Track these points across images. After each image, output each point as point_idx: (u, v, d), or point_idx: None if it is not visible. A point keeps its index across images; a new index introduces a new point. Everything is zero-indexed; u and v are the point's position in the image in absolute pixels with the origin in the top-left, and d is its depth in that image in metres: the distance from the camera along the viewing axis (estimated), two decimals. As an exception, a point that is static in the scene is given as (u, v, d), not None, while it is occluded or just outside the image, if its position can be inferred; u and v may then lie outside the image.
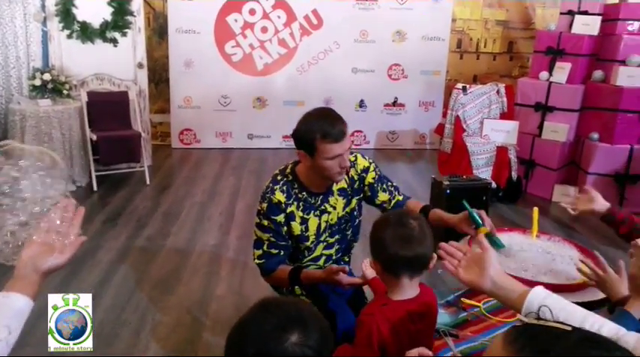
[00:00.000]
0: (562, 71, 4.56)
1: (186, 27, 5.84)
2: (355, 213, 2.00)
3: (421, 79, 6.27)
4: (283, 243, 1.89)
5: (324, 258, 2.01)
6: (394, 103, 6.34)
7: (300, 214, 1.88)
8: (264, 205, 1.87)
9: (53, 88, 4.53)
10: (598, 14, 4.51)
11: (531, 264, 1.81)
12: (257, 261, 1.92)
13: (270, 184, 1.89)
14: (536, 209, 1.99)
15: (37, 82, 4.48)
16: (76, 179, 4.57)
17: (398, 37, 6.15)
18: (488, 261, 1.21)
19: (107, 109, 4.78)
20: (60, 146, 4.36)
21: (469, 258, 1.26)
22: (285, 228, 1.88)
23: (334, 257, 2.03)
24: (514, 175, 4.50)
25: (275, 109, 6.17)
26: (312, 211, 1.91)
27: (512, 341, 0.76)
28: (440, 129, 5.10)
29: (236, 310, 2.75)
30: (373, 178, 1.98)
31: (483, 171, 4.38)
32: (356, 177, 1.96)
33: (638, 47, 4.33)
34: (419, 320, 1.41)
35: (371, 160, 2.01)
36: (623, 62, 4.33)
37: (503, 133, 4.57)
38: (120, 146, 4.66)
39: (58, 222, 1.09)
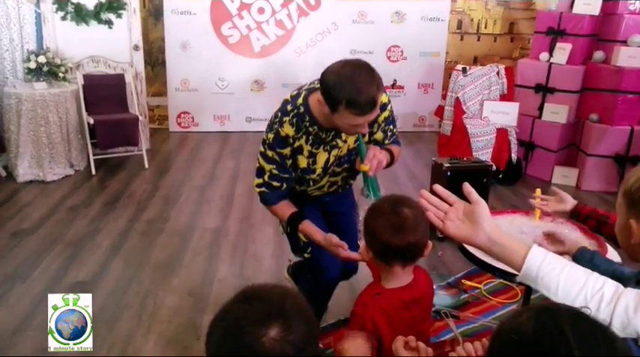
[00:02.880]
0: (562, 52, 4.51)
1: (182, 8, 5.75)
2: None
3: (420, 61, 6.20)
4: (286, 176, 1.82)
5: (328, 184, 1.96)
6: (393, 85, 6.28)
7: (309, 148, 1.79)
8: (271, 135, 1.76)
9: (49, 70, 4.47)
10: (599, -6, 4.46)
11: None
12: (257, 189, 1.87)
13: (280, 114, 1.76)
14: (538, 190, 1.98)
15: (32, 65, 4.42)
16: (73, 163, 4.54)
17: (397, 18, 6.07)
18: (481, 214, 1.09)
19: (104, 92, 4.73)
20: (57, 130, 4.32)
21: (458, 211, 1.11)
22: (290, 161, 1.80)
23: (339, 183, 1.99)
24: (514, 156, 4.49)
25: (273, 92, 6.10)
26: (322, 146, 1.80)
27: None
28: (439, 111, 5.07)
29: (237, 293, 2.76)
30: (385, 117, 1.90)
31: (483, 153, 4.37)
32: None
33: (639, 27, 4.28)
34: (414, 306, 1.39)
35: (389, 98, 1.89)
36: (624, 42, 4.29)
37: (503, 114, 4.54)
38: (117, 130, 4.61)
39: None
